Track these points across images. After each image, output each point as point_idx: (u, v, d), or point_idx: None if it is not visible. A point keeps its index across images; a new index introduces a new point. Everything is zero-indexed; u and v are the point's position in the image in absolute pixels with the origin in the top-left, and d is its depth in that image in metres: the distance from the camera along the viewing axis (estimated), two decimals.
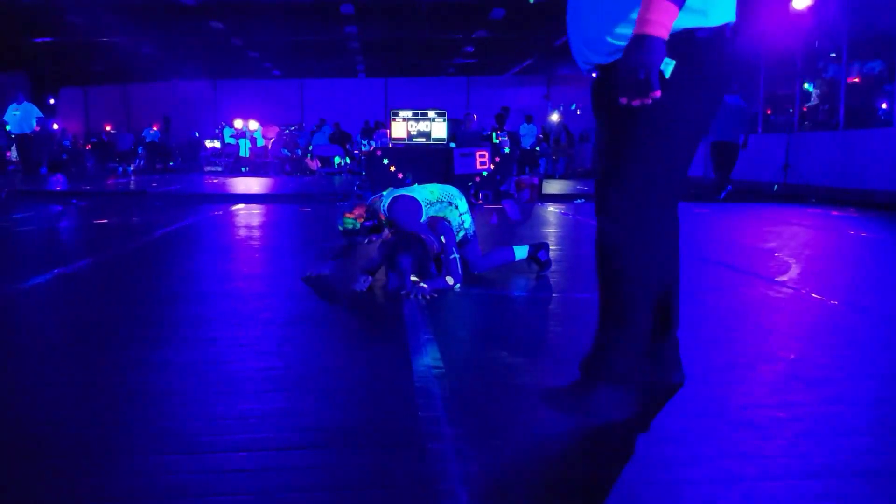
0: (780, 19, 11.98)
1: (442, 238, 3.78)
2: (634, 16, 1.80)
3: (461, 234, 4.03)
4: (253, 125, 22.49)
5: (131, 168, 21.20)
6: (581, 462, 1.72)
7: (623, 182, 1.92)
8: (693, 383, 2.29)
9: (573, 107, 20.19)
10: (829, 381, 2.30)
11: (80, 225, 7.58)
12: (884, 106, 10.23)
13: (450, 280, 3.74)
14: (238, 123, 22.71)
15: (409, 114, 11.22)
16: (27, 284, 3.98)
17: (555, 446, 1.79)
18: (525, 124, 18.22)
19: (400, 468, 1.68)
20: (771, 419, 1.97)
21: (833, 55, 11.37)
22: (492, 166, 10.84)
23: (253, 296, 3.76)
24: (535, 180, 10.67)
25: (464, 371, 2.44)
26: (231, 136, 22.59)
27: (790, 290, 3.75)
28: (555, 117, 20.27)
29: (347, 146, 20.33)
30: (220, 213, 8.51)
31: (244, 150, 21.90)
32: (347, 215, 3.98)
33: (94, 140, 25.65)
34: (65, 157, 20.49)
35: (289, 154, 20.71)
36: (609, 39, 1.91)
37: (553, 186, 13.25)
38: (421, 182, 4.41)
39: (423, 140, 11.11)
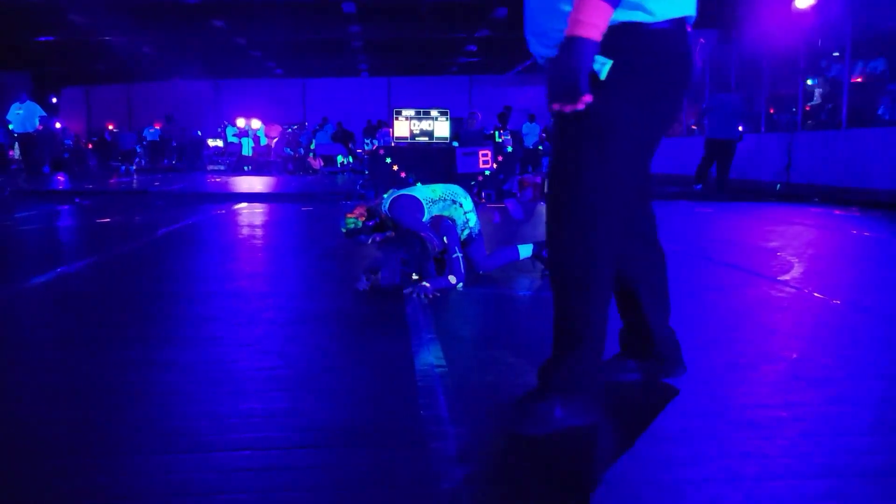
0: (783, 18, 11.98)
1: (444, 237, 3.79)
2: (567, 8, 1.70)
3: (466, 232, 4.03)
4: (255, 124, 22.50)
5: (133, 167, 21.22)
6: (583, 462, 1.73)
7: (564, 194, 1.84)
8: (695, 383, 2.30)
9: None
10: (831, 381, 2.31)
11: (83, 224, 7.60)
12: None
13: (452, 279, 3.74)
14: (241, 122, 22.72)
15: (411, 113, 11.22)
16: (29, 284, 3.99)
17: (557, 446, 1.79)
18: (528, 123, 18.22)
19: (403, 468, 1.69)
20: (773, 419, 1.97)
21: (836, 54, 11.35)
22: (494, 165, 10.84)
23: (256, 295, 3.76)
24: (538, 179, 10.66)
25: (466, 370, 2.45)
26: (234, 136, 22.61)
27: (793, 290, 3.75)
28: None
29: (350, 145, 20.33)
30: (223, 212, 8.52)
31: (247, 149, 21.91)
32: (349, 215, 3.98)
33: (95, 139, 25.68)
34: (67, 156, 20.51)
35: (291, 153, 20.71)
36: (552, 32, 1.81)
37: None
38: (424, 181, 4.42)
39: (425, 139, 11.11)
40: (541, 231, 6.77)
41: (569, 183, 1.83)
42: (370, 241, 4.04)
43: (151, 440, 1.84)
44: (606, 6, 1.65)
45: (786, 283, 3.93)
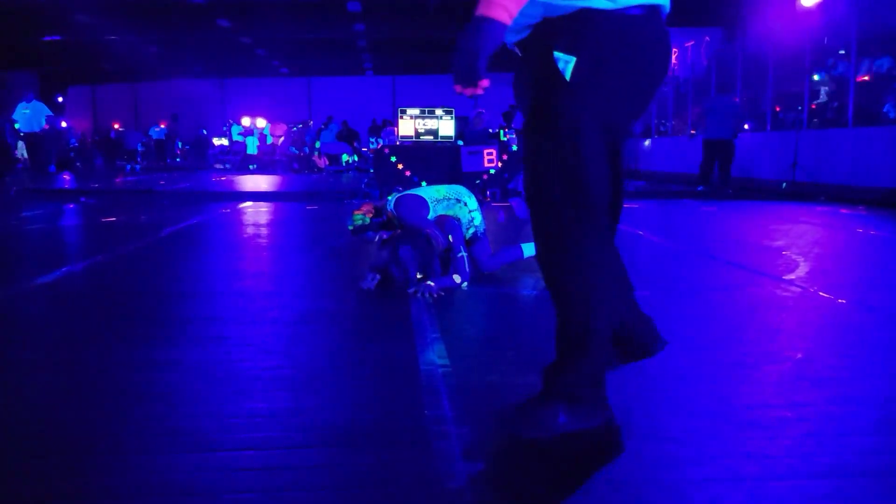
0: (788, 16, 11.95)
1: (450, 236, 3.79)
2: None
3: (471, 231, 4.04)
4: (261, 123, 22.55)
5: (139, 166, 21.28)
6: (587, 461, 1.72)
7: (543, 203, 1.77)
8: (698, 382, 2.30)
9: None
10: (835, 381, 2.30)
11: (89, 223, 7.62)
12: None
13: (457, 278, 3.74)
14: (246, 121, 22.78)
15: (416, 111, 11.23)
16: (35, 282, 4.01)
17: (561, 445, 1.79)
18: None
19: (406, 467, 1.69)
20: (777, 419, 1.97)
21: (842, 52, 11.32)
22: (499, 164, 10.84)
23: (260, 294, 3.77)
24: None
25: (470, 370, 2.45)
26: (239, 134, 22.66)
27: (798, 289, 3.74)
28: None
29: (355, 144, 20.36)
30: (228, 211, 8.54)
31: (252, 147, 21.96)
32: (356, 212, 4.00)
33: (97, 138, 25.74)
34: (72, 155, 20.58)
35: (296, 152, 20.74)
36: (517, 16, 1.72)
37: None
38: (429, 180, 4.43)
39: (430, 138, 11.12)
40: None
41: (546, 191, 1.76)
42: (377, 238, 4.04)
43: (156, 439, 1.84)
44: None
45: (791, 282, 3.92)
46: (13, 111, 15.39)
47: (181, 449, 1.79)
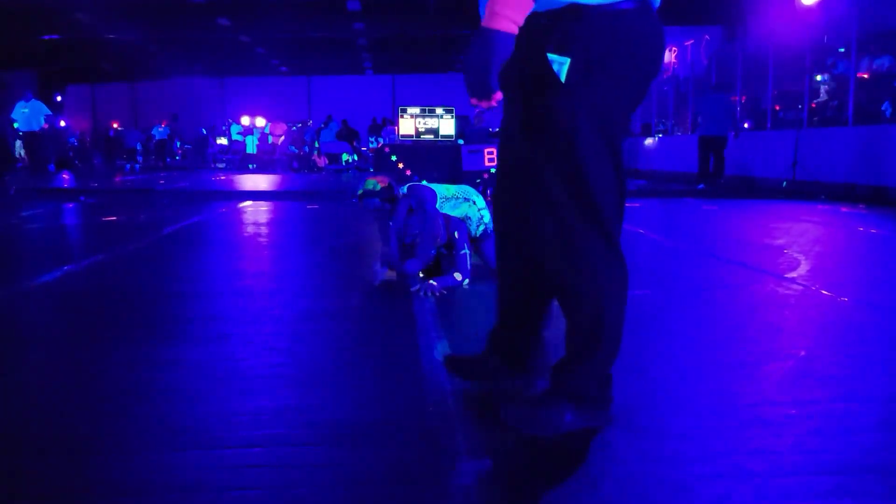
0: (789, 15, 11.95)
1: (455, 233, 3.79)
2: None
3: (481, 228, 4.04)
4: (260, 122, 22.54)
5: (138, 165, 21.27)
6: (593, 458, 1.73)
7: (542, 198, 1.74)
8: (703, 380, 2.30)
9: None
10: (839, 379, 2.30)
11: (89, 222, 7.62)
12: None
13: (458, 276, 3.74)
14: (245, 120, 22.76)
15: (417, 110, 11.23)
16: (36, 282, 4.00)
17: (566, 443, 1.79)
18: None
19: (412, 464, 1.69)
20: (782, 416, 1.97)
21: (842, 50, 11.32)
22: None
23: (262, 293, 3.77)
24: None
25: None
26: (238, 133, 22.65)
27: (800, 287, 3.74)
28: None
29: (355, 143, 20.36)
30: (228, 210, 8.54)
31: (251, 147, 21.95)
32: (370, 178, 3.99)
33: (89, 138, 25.72)
34: (72, 154, 20.58)
35: (296, 151, 20.74)
36: None
37: None
38: (429, 179, 4.43)
39: (431, 137, 11.12)
40: None
41: (548, 194, 1.74)
42: (381, 206, 3.99)
43: (161, 437, 1.84)
44: (527, 1, 1.54)
45: (793, 280, 3.92)
46: (12, 110, 15.37)
47: (186, 447, 1.78)
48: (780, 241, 5.52)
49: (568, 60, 1.64)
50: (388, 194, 3.94)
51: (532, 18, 1.64)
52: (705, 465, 1.68)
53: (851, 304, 3.44)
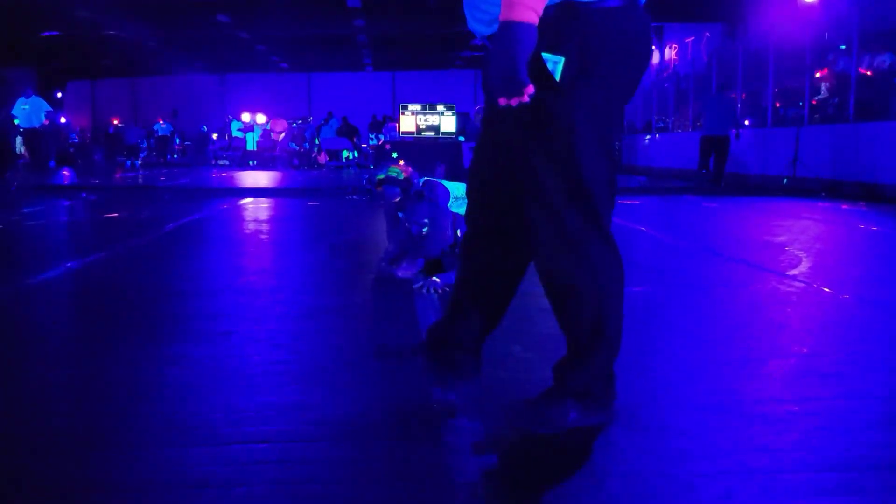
0: (789, 12, 11.95)
1: (458, 231, 3.80)
2: None
3: None
4: (261, 119, 22.52)
5: (139, 162, 21.26)
6: (597, 455, 1.73)
7: (538, 198, 1.74)
8: (707, 378, 2.30)
9: None
10: (842, 376, 2.31)
11: (91, 219, 7.62)
12: None
13: None
14: (246, 117, 22.75)
15: (418, 107, 11.23)
16: (38, 279, 4.01)
17: (570, 439, 1.80)
18: None
19: (417, 461, 1.70)
20: (785, 413, 1.98)
21: (843, 47, 11.31)
22: None
23: (265, 290, 3.78)
24: None
25: (480, 359, 2.45)
26: (239, 130, 22.63)
27: (801, 285, 3.75)
28: None
29: (355, 140, 20.35)
30: (229, 207, 8.54)
31: (252, 143, 21.94)
32: (394, 166, 3.96)
33: (89, 135, 25.70)
34: (72, 150, 20.56)
35: (296, 148, 20.74)
36: (484, 4, 1.68)
37: None
38: (430, 176, 4.43)
39: (432, 134, 11.12)
40: None
41: (545, 194, 1.74)
42: (396, 198, 3.97)
43: (167, 434, 1.85)
44: None
45: (794, 277, 3.93)
46: (13, 107, 15.36)
47: (192, 443, 1.79)
48: (781, 239, 5.52)
49: (562, 60, 1.64)
50: (408, 184, 3.93)
51: None
52: (709, 463, 1.68)
53: (853, 302, 3.45)
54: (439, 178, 4.30)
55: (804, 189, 10.50)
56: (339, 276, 4.20)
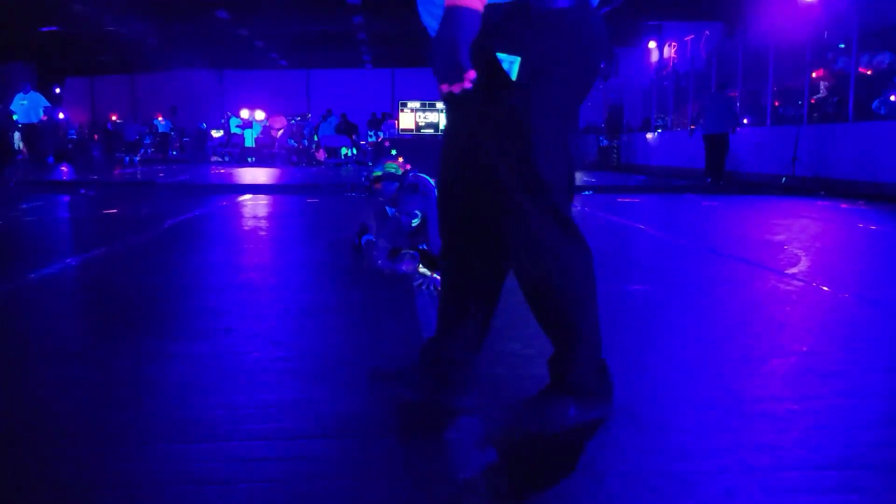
0: (789, 11, 11.95)
1: None
2: None
3: None
4: (259, 115, 22.50)
5: (137, 158, 21.25)
6: (597, 453, 1.73)
7: (505, 203, 1.75)
8: (707, 376, 2.31)
9: None
10: (842, 374, 2.31)
11: (89, 215, 7.62)
12: (892, 98, 10.18)
13: None
14: (245, 114, 22.72)
15: (417, 105, 11.23)
16: (37, 275, 4.00)
17: (571, 437, 1.80)
18: None
19: (418, 458, 1.70)
20: (785, 412, 1.98)
21: (842, 46, 11.32)
22: None
23: (265, 287, 3.78)
24: None
25: (477, 362, 2.45)
26: (237, 127, 22.62)
27: (801, 283, 3.75)
28: None
29: (354, 137, 20.34)
30: (228, 203, 8.53)
31: (250, 140, 21.93)
32: (393, 162, 3.96)
33: (88, 131, 25.66)
34: (70, 146, 20.54)
35: (295, 144, 20.73)
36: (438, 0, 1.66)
37: None
38: (429, 173, 4.43)
39: (431, 131, 11.12)
40: None
41: (510, 193, 1.75)
42: (390, 196, 3.97)
43: (167, 431, 1.85)
44: None
45: (794, 276, 3.93)
46: (11, 102, 15.34)
47: (194, 439, 1.79)
48: (781, 238, 5.53)
49: (518, 59, 1.65)
50: (403, 179, 3.93)
51: (485, 10, 1.63)
52: (709, 461, 1.69)
53: (852, 301, 3.45)
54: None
55: (803, 188, 10.51)
56: (338, 273, 4.20)
